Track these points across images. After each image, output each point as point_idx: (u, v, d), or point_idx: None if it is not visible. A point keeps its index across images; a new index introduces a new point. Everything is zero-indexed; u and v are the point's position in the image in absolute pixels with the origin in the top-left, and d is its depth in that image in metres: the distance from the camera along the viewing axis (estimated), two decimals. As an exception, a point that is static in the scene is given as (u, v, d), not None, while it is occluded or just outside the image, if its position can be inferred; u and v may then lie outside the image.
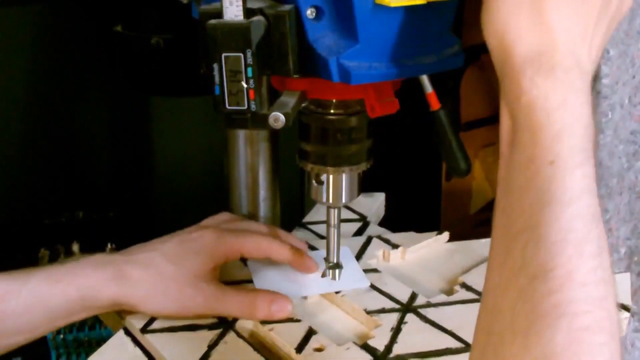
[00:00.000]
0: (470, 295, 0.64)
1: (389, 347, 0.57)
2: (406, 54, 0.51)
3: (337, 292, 0.64)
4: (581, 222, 0.33)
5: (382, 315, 0.61)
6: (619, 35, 0.61)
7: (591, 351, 0.30)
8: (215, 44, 0.47)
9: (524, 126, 0.36)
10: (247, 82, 0.48)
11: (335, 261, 0.64)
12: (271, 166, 0.73)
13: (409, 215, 0.96)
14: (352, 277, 0.66)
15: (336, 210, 0.62)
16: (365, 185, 0.62)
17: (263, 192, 0.74)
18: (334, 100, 0.56)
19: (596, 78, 0.62)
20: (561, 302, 0.31)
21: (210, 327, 0.59)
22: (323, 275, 0.65)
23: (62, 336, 0.79)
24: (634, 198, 0.71)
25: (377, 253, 0.71)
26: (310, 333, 0.58)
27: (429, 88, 0.66)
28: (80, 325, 0.79)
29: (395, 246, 0.72)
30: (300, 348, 0.57)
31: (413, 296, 0.64)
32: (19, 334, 0.56)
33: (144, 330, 0.59)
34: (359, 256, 0.71)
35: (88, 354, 0.79)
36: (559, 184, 0.33)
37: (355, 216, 0.80)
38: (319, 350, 0.56)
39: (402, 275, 0.69)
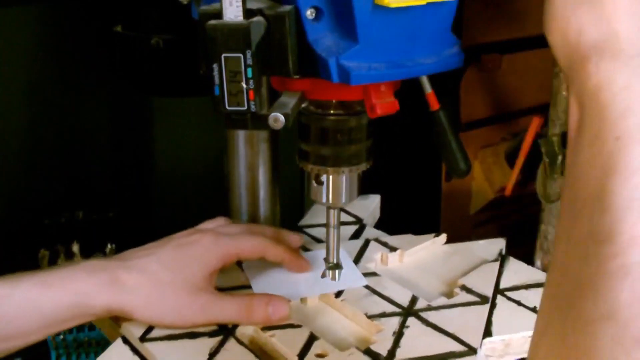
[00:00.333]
0: (471, 298, 0.64)
1: (392, 352, 0.57)
2: (406, 55, 0.51)
3: (337, 297, 0.64)
4: None
5: (384, 319, 0.61)
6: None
7: None
8: (215, 44, 0.47)
9: (590, 108, 0.38)
10: (246, 83, 0.48)
11: (335, 262, 0.64)
12: (271, 166, 0.73)
13: (409, 216, 0.96)
14: (348, 276, 0.66)
15: (336, 211, 0.62)
16: (364, 186, 0.62)
17: (263, 193, 0.74)
18: (334, 101, 0.56)
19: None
20: (625, 263, 0.33)
21: (210, 334, 0.59)
22: (323, 275, 0.65)
23: (62, 336, 0.79)
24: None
25: (375, 256, 0.71)
26: (312, 339, 0.58)
27: (428, 88, 0.67)
28: (80, 325, 0.79)
29: (393, 249, 0.72)
30: (302, 354, 0.56)
31: (413, 300, 0.64)
32: (11, 340, 0.55)
33: (143, 338, 0.58)
34: (357, 260, 0.71)
35: (88, 354, 0.79)
36: (623, 156, 0.36)
37: (351, 219, 0.80)
38: (321, 356, 0.56)
39: (401, 278, 0.69)
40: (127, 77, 0.78)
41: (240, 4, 0.46)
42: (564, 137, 0.62)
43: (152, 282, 0.58)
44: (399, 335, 0.59)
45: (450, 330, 0.59)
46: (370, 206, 0.83)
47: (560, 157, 0.66)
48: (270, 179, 0.73)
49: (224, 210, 0.74)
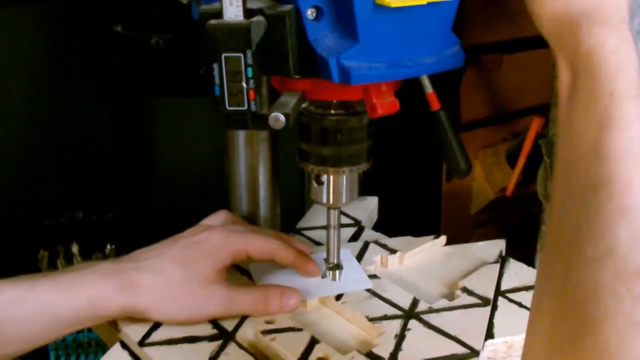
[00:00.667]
0: (472, 300, 0.64)
1: (394, 355, 0.56)
2: (406, 54, 0.51)
3: (337, 300, 0.64)
4: (637, 142, 0.37)
5: (385, 322, 0.61)
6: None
7: None
8: (215, 44, 0.47)
9: (584, 70, 0.40)
10: (247, 83, 0.47)
11: (335, 262, 0.64)
12: (271, 166, 0.73)
13: (408, 217, 0.96)
14: (353, 278, 0.66)
15: (336, 211, 0.61)
16: (363, 187, 0.62)
17: (263, 192, 0.74)
18: (334, 101, 0.56)
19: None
20: (622, 205, 0.36)
21: (210, 338, 0.58)
22: (323, 276, 0.64)
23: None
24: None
25: (374, 259, 0.71)
26: (313, 342, 0.58)
27: (429, 88, 0.67)
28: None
29: (392, 251, 0.72)
30: (303, 358, 0.56)
31: (414, 302, 0.63)
32: (25, 342, 0.56)
33: (142, 343, 0.58)
34: (356, 262, 0.71)
35: (87, 355, 0.79)
36: (617, 110, 0.38)
37: (350, 221, 0.80)
38: None
39: (402, 280, 0.68)
40: (127, 77, 0.78)
41: (240, 3, 0.46)
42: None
43: (165, 281, 0.58)
44: (400, 338, 0.58)
45: (452, 333, 0.59)
46: (368, 208, 0.83)
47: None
48: (270, 178, 0.73)
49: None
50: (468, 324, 0.60)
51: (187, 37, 0.72)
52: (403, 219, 0.89)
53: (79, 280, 0.57)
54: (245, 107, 0.48)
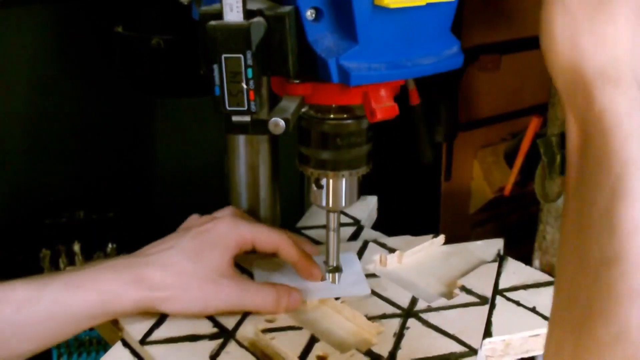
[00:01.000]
0: (471, 299, 0.64)
1: (392, 353, 0.57)
2: (405, 55, 0.51)
3: (337, 298, 0.64)
4: None
5: (384, 320, 0.61)
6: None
7: None
8: (215, 45, 0.47)
9: (595, 132, 0.39)
10: (247, 83, 0.48)
11: (334, 264, 0.64)
12: (271, 166, 0.73)
13: (407, 216, 0.96)
14: (353, 283, 0.66)
15: (336, 214, 0.62)
16: (363, 186, 0.62)
17: (263, 192, 0.74)
18: (334, 105, 0.57)
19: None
20: (634, 286, 0.34)
21: (211, 337, 0.59)
22: (322, 278, 0.65)
23: (62, 335, 0.79)
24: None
25: (374, 258, 0.71)
26: (313, 341, 0.58)
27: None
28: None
29: (391, 250, 0.72)
30: (303, 356, 0.56)
31: (413, 301, 0.64)
32: (41, 340, 0.56)
33: (143, 341, 0.58)
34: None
35: (89, 353, 0.79)
36: (629, 180, 0.36)
37: (349, 220, 0.80)
38: (322, 358, 0.56)
39: (401, 279, 0.69)
40: (128, 77, 0.79)
41: (240, 4, 0.47)
42: (562, 137, 0.62)
43: (175, 275, 0.59)
44: (399, 336, 0.59)
45: (451, 331, 0.59)
46: (367, 207, 0.83)
47: (559, 157, 0.66)
48: (270, 178, 0.74)
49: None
50: (466, 322, 0.60)
51: (188, 38, 0.72)
52: (402, 218, 0.89)
53: (91, 277, 0.57)
54: (245, 108, 0.49)
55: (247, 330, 0.60)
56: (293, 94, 0.53)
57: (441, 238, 0.74)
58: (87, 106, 0.88)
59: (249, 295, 0.61)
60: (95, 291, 0.56)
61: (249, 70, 0.47)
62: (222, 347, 0.58)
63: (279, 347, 0.57)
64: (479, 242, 0.74)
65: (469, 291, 0.65)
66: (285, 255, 0.65)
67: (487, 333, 0.59)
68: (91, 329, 0.77)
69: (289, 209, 0.80)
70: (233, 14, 0.47)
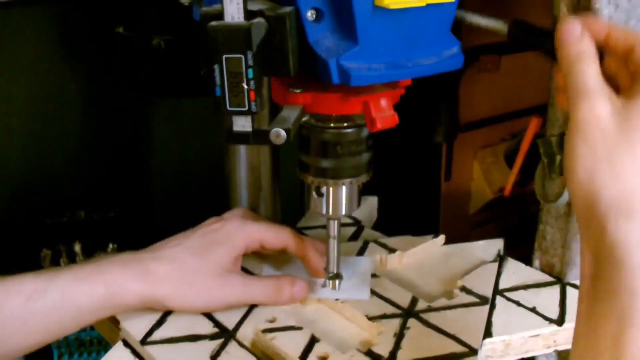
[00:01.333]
0: (471, 299, 0.64)
1: (393, 353, 0.57)
2: (406, 55, 0.51)
3: (337, 299, 0.64)
4: None
5: (384, 320, 0.61)
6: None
7: None
8: (216, 45, 0.47)
9: (606, 261, 0.41)
10: (247, 84, 0.48)
11: (335, 271, 0.64)
12: (271, 166, 0.73)
13: (407, 216, 0.96)
14: (355, 286, 0.66)
15: (336, 222, 0.62)
16: (365, 186, 0.63)
17: (263, 193, 0.74)
18: (334, 114, 0.57)
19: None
20: None
21: (211, 337, 0.59)
22: (323, 285, 0.65)
23: (63, 335, 0.79)
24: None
25: (374, 258, 0.71)
26: (313, 341, 0.58)
27: None
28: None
29: (392, 250, 0.72)
30: (303, 357, 0.56)
31: (414, 301, 0.64)
32: (47, 333, 0.57)
33: (144, 341, 0.58)
34: (356, 262, 0.71)
35: (90, 353, 0.79)
36: (637, 310, 0.38)
37: (349, 220, 0.80)
38: (322, 358, 0.56)
39: (401, 279, 0.69)
40: (128, 78, 0.79)
41: (241, 5, 0.47)
42: (562, 137, 0.62)
43: (180, 270, 0.60)
44: (399, 336, 0.59)
45: (451, 331, 0.59)
46: (367, 207, 0.83)
47: (558, 157, 0.66)
48: (270, 179, 0.74)
49: (225, 210, 0.74)
50: (466, 322, 0.60)
51: (188, 39, 0.72)
52: (402, 218, 0.89)
53: (99, 270, 0.58)
54: (246, 108, 0.49)
55: (248, 331, 0.60)
56: (294, 104, 0.54)
57: (441, 238, 0.74)
58: (87, 106, 0.88)
59: (251, 287, 0.62)
60: (102, 284, 0.57)
61: (250, 71, 0.47)
62: (222, 347, 0.58)
63: (280, 347, 0.57)
64: (479, 243, 0.74)
65: (469, 291, 0.65)
66: (294, 250, 0.65)
67: (487, 333, 0.59)
68: (92, 329, 0.78)
69: (289, 209, 0.80)
70: (234, 14, 0.47)
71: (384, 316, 0.62)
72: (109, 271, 0.58)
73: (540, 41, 0.51)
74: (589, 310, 0.41)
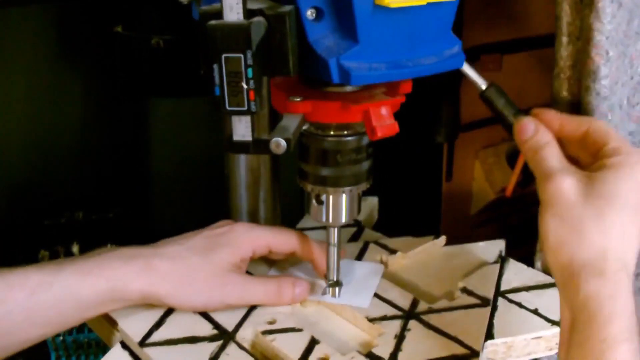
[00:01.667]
0: (472, 300, 0.64)
1: (394, 355, 0.56)
2: (406, 55, 0.51)
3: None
4: None
5: (385, 322, 0.61)
6: (618, 36, 0.61)
7: None
8: (215, 44, 0.47)
9: (581, 315, 0.46)
10: (247, 83, 0.48)
11: (335, 279, 0.64)
12: (271, 167, 0.73)
13: (409, 216, 0.96)
14: (357, 293, 0.65)
15: (336, 229, 0.62)
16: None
17: (263, 193, 0.74)
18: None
19: (596, 79, 0.62)
20: None
21: (211, 339, 0.59)
22: (323, 292, 0.64)
23: (61, 338, 0.79)
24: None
25: (375, 259, 0.71)
26: (313, 343, 0.58)
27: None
28: (80, 327, 0.79)
29: (392, 251, 0.72)
30: (303, 358, 0.56)
31: (414, 302, 0.63)
32: (50, 326, 0.57)
33: (142, 343, 0.58)
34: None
35: (88, 355, 0.79)
36: (609, 356, 0.44)
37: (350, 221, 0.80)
38: None
39: (402, 281, 0.68)
40: (127, 77, 0.78)
41: (240, 4, 0.46)
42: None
43: (182, 268, 0.60)
44: (400, 338, 0.58)
45: (452, 333, 0.59)
46: (368, 208, 0.83)
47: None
48: (270, 179, 0.73)
49: (225, 211, 0.74)
50: (468, 324, 0.60)
51: (187, 38, 0.72)
52: (403, 219, 0.89)
53: (101, 264, 0.58)
54: (246, 108, 0.49)
55: (247, 332, 0.60)
56: (294, 112, 0.53)
57: (442, 239, 0.74)
58: (86, 106, 0.88)
59: (251, 288, 0.62)
60: (105, 278, 0.57)
61: (249, 70, 0.47)
62: (222, 348, 0.57)
63: (280, 349, 0.57)
64: (480, 244, 0.73)
65: (470, 293, 0.65)
66: (303, 254, 0.65)
67: (489, 335, 0.59)
68: (90, 331, 0.78)
69: (289, 209, 0.80)
70: (233, 13, 0.47)
71: (385, 318, 0.61)
72: (111, 266, 0.58)
73: (500, 116, 0.57)
74: (567, 357, 0.46)
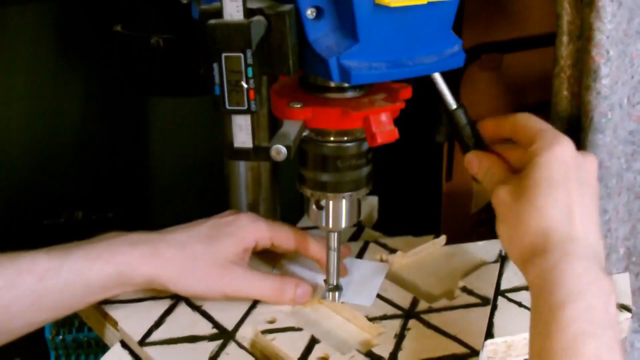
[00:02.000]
0: (472, 299, 0.64)
1: (394, 354, 0.56)
2: (406, 54, 0.51)
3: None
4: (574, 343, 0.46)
5: (385, 321, 0.61)
6: (618, 35, 0.61)
7: None
8: (215, 43, 0.47)
9: (532, 294, 0.51)
10: (247, 82, 0.48)
11: (335, 284, 0.64)
12: (271, 166, 0.73)
13: (409, 216, 0.96)
14: (360, 291, 0.65)
15: (336, 234, 0.62)
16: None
17: (263, 193, 0.74)
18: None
19: (596, 78, 0.62)
20: None
21: (210, 337, 0.59)
22: (323, 297, 0.64)
23: (61, 337, 0.79)
24: (632, 198, 0.71)
25: (375, 258, 0.71)
26: (313, 342, 0.58)
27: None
28: (80, 326, 0.79)
29: (392, 251, 0.72)
30: (303, 358, 0.56)
31: (414, 302, 0.63)
32: (58, 309, 0.58)
33: (142, 342, 0.58)
34: (356, 262, 0.71)
35: (87, 354, 0.79)
36: (554, 322, 0.47)
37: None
38: (322, 359, 0.56)
39: (402, 280, 0.68)
40: (127, 76, 0.78)
41: (240, 3, 0.46)
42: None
43: (186, 255, 0.60)
44: (400, 337, 0.58)
45: (452, 332, 0.59)
46: (368, 207, 0.83)
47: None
48: (270, 179, 0.73)
49: (224, 210, 0.74)
50: (468, 323, 0.60)
51: (187, 37, 0.72)
52: (403, 218, 0.89)
53: (110, 249, 0.59)
54: (245, 107, 0.49)
55: (247, 331, 0.60)
56: (294, 119, 0.53)
57: (442, 238, 0.74)
58: (86, 106, 0.88)
59: (253, 282, 0.62)
60: (112, 263, 0.58)
61: (249, 69, 0.47)
62: (221, 348, 0.57)
63: (279, 348, 0.57)
64: (480, 243, 0.73)
65: (470, 292, 0.65)
66: (308, 251, 0.66)
67: (489, 334, 0.59)
68: (90, 330, 0.77)
69: (289, 209, 0.79)
70: (233, 12, 0.47)
71: (385, 317, 0.61)
72: (119, 251, 0.59)
73: (460, 137, 0.61)
74: (530, 339, 0.49)
